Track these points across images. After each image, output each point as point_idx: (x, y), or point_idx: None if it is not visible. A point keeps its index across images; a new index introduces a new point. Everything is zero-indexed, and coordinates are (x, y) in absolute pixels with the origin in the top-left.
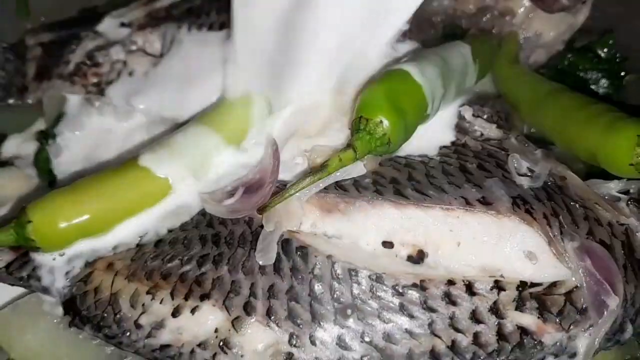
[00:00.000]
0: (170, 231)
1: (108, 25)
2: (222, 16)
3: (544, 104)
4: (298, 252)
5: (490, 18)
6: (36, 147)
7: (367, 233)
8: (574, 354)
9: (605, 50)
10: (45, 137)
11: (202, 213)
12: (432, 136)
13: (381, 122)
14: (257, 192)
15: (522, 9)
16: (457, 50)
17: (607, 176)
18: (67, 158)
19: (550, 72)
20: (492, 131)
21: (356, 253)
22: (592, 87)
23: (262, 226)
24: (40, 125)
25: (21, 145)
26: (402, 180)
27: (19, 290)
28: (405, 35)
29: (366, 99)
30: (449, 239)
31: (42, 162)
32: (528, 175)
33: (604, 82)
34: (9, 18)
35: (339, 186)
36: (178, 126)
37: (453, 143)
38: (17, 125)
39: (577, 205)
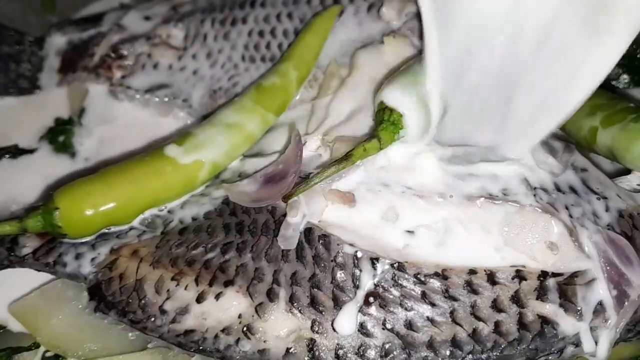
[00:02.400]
0: (194, 219)
1: (132, 19)
2: (244, 10)
3: None
4: (320, 241)
5: None
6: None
7: (390, 222)
8: (595, 344)
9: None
10: (70, 124)
11: (226, 202)
12: None
13: (405, 112)
14: (280, 182)
15: None
16: None
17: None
18: (91, 146)
19: None
20: None
21: (378, 242)
22: (613, 82)
23: (284, 215)
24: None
25: None
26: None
27: (45, 276)
28: None
29: (389, 90)
30: (471, 228)
31: (67, 147)
32: (550, 167)
33: (624, 77)
34: (35, 12)
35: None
36: (204, 118)
37: None
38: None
39: (598, 197)
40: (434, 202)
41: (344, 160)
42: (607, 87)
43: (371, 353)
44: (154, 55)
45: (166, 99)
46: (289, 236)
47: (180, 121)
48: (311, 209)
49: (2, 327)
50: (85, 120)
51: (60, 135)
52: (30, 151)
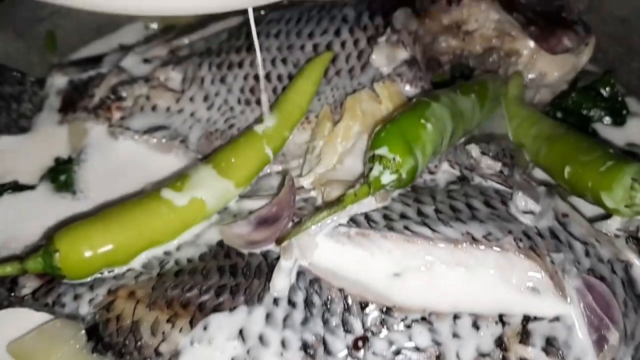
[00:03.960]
0: (189, 261)
1: (131, 62)
2: (240, 55)
3: (548, 144)
4: (312, 285)
5: (496, 58)
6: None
7: (378, 265)
8: None
9: (607, 89)
10: (71, 163)
11: (221, 244)
12: (440, 172)
13: (394, 158)
14: (274, 225)
15: (527, 50)
16: (466, 89)
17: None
18: (92, 185)
19: (554, 110)
20: (497, 168)
21: (367, 286)
22: (596, 124)
23: (277, 259)
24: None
25: None
26: (411, 215)
27: (44, 316)
28: (420, 80)
29: (379, 137)
30: (456, 272)
31: (68, 186)
32: (532, 213)
33: (607, 119)
34: (37, 52)
35: (350, 219)
36: (201, 158)
37: (460, 179)
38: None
39: (578, 242)
40: (419, 245)
41: (335, 204)
42: (591, 129)
43: None
44: (153, 97)
45: (164, 140)
46: (281, 286)
47: (180, 159)
48: (303, 252)
49: None
50: (86, 159)
51: (61, 174)
52: (31, 187)
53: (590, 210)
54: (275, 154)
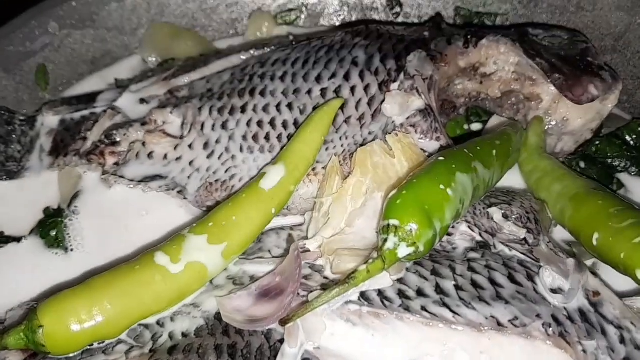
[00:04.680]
0: (184, 335)
1: (127, 101)
2: (243, 99)
3: (574, 205)
4: None
5: (515, 102)
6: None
7: (392, 350)
8: None
9: (634, 136)
10: (61, 215)
11: (218, 317)
12: (458, 234)
13: (411, 229)
14: (277, 299)
15: (548, 96)
16: (487, 146)
17: None
18: (80, 237)
19: (577, 158)
20: (522, 235)
21: None
22: (621, 174)
23: (280, 341)
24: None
25: None
26: (429, 293)
27: None
28: (435, 131)
29: (395, 205)
30: None
31: (60, 242)
32: (560, 291)
33: (633, 169)
34: (28, 89)
35: (362, 295)
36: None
37: (480, 244)
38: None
39: (612, 326)
40: (440, 330)
41: (346, 282)
42: (615, 179)
43: None
44: (149, 143)
45: (160, 190)
46: None
47: (178, 207)
48: (309, 335)
49: None
50: (77, 209)
51: (51, 229)
52: (18, 239)
53: (620, 278)
54: (280, 210)
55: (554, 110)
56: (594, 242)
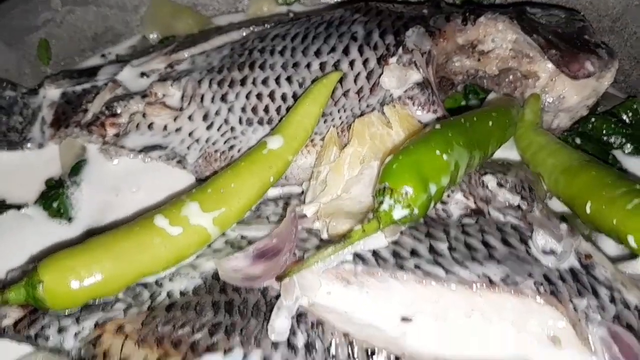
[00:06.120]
0: (183, 294)
1: (128, 75)
2: (243, 72)
3: (568, 176)
4: (314, 328)
5: (512, 80)
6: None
7: (386, 307)
8: None
9: (630, 114)
10: (62, 186)
11: (216, 277)
12: (452, 202)
13: (406, 192)
14: (274, 259)
15: (545, 73)
16: (484, 117)
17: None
18: (82, 208)
19: (573, 136)
20: (515, 202)
21: (374, 331)
22: (616, 151)
23: (276, 297)
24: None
25: None
26: (423, 253)
27: (27, 348)
28: (433, 103)
29: (391, 169)
30: (471, 318)
31: (62, 213)
32: (553, 253)
33: (628, 146)
34: (30, 63)
35: (357, 255)
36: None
37: (474, 212)
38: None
39: (603, 287)
40: (432, 288)
41: (342, 241)
42: (611, 155)
43: None
44: (149, 114)
45: (160, 160)
46: (281, 328)
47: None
48: (305, 291)
49: None
50: (79, 179)
51: (53, 200)
52: (19, 207)
53: (613, 246)
54: (278, 179)
55: (550, 88)
56: (588, 211)
